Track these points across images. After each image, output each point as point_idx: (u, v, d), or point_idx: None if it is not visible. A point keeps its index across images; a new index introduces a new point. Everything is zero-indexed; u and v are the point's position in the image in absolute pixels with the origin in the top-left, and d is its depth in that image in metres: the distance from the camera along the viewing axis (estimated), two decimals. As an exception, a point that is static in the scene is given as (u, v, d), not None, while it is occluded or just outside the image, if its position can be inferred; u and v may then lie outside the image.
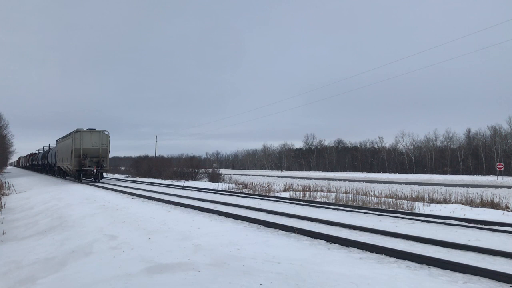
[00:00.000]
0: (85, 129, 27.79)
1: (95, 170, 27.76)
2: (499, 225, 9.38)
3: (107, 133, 28.68)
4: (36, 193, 21.06)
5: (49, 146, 46.90)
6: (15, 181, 32.53)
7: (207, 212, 11.84)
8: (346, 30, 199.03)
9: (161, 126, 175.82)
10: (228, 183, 30.43)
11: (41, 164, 50.21)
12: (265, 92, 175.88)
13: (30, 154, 70.53)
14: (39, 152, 56.39)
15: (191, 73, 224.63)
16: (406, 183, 35.21)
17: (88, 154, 27.23)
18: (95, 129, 28.15)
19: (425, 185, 30.03)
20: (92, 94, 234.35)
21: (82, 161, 27.02)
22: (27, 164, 72.89)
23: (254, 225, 9.32)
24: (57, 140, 37.01)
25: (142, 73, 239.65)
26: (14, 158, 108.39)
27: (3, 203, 15.94)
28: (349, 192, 18.59)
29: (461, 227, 9.17)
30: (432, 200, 15.93)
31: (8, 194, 21.82)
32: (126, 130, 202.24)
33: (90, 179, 30.06)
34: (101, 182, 28.34)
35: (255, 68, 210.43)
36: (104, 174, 34.44)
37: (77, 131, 27.40)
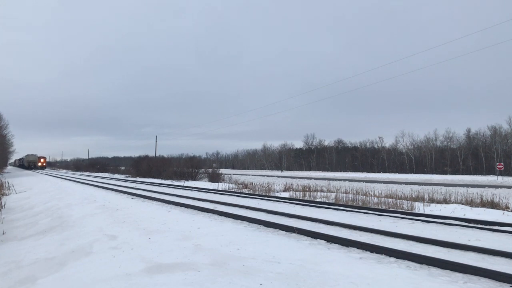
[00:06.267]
0: (30, 153, 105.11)
1: (33, 166, 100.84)
2: (499, 225, 9.38)
3: (37, 154, 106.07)
4: (36, 193, 21.06)
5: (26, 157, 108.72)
6: (15, 180, 32.55)
7: (207, 212, 11.84)
8: (346, 30, 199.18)
9: (163, 126, 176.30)
10: (228, 183, 30.42)
11: (23, 164, 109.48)
12: (265, 92, 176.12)
13: (19, 159, 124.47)
14: (22, 158, 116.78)
15: (192, 73, 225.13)
16: (406, 183, 35.19)
17: (31, 161, 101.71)
18: (33, 154, 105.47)
19: (425, 185, 30.02)
20: (94, 94, 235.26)
21: (29, 163, 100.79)
22: (18, 164, 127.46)
23: (254, 225, 9.32)
24: (25, 155, 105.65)
25: (144, 73, 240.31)
26: (14, 158, 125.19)
27: (3, 203, 15.93)
28: (349, 192, 18.59)
29: (461, 227, 9.17)
30: (432, 200, 15.92)
31: (8, 194, 21.82)
32: (128, 130, 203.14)
33: (34, 170, 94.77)
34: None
35: (255, 68, 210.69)
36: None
37: (27, 154, 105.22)
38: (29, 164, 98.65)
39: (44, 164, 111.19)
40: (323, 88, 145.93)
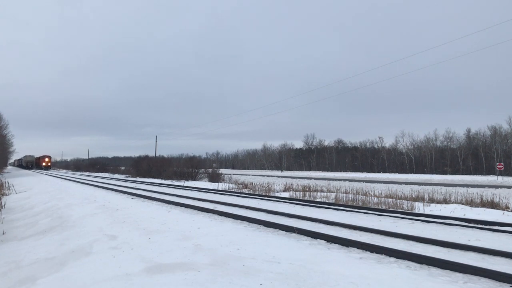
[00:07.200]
0: (28, 155, 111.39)
1: (30, 166, 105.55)
2: (499, 225, 9.38)
3: (33, 155, 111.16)
4: (36, 193, 21.06)
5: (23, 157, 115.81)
6: (15, 180, 32.55)
7: (207, 212, 11.84)
8: (346, 31, 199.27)
9: (163, 126, 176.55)
10: (228, 183, 30.41)
11: (21, 164, 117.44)
12: (265, 92, 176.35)
13: (19, 159, 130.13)
14: (21, 159, 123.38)
15: (192, 73, 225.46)
16: (406, 183, 35.19)
17: (29, 161, 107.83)
18: (31, 155, 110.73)
19: (425, 185, 30.02)
20: (94, 94, 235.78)
21: (28, 163, 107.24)
22: (18, 164, 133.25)
23: (254, 225, 9.31)
24: (23, 156, 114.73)
25: (144, 74, 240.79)
26: (14, 158, 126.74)
27: (3, 203, 15.93)
28: (349, 192, 18.58)
29: (461, 227, 9.17)
30: (432, 200, 15.92)
31: (8, 194, 21.81)
32: (128, 130, 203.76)
33: (31, 169, 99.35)
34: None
35: (255, 68, 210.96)
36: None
37: (26, 155, 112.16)
38: (27, 164, 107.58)
39: (49, 164, 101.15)
40: (323, 88, 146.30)
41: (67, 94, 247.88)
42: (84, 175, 57.30)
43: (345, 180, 42.30)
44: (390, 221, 10.22)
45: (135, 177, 44.63)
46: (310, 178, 44.28)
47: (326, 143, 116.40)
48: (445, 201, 15.75)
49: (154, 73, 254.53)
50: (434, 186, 27.34)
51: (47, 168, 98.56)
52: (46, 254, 6.97)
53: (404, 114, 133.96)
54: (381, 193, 18.19)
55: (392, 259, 5.91)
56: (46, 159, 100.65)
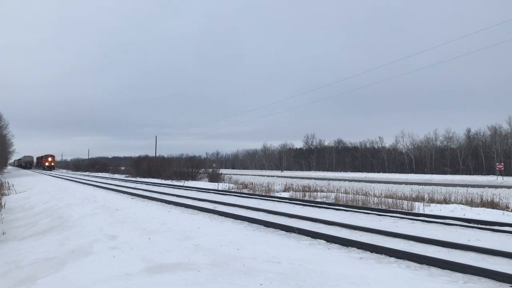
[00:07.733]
0: (27, 155, 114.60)
1: (29, 166, 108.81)
2: (499, 225, 9.38)
3: (33, 156, 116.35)
4: (36, 193, 21.06)
5: (23, 157, 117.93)
6: (15, 180, 32.56)
7: (207, 212, 11.84)
8: (347, 31, 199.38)
9: (163, 126, 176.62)
10: (228, 183, 30.41)
11: (21, 164, 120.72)
12: (266, 92, 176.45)
13: (18, 159, 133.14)
14: (20, 159, 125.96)
15: (192, 73, 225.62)
16: (406, 183, 35.19)
17: (27, 162, 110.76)
18: (30, 155, 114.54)
19: (425, 185, 30.01)
20: (94, 94, 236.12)
21: (27, 163, 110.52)
22: (17, 164, 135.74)
23: (254, 225, 9.31)
24: (23, 156, 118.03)
25: (145, 74, 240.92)
26: (14, 159, 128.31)
27: (3, 203, 15.93)
28: (349, 192, 18.58)
29: (461, 227, 9.17)
30: (432, 200, 15.92)
31: (8, 194, 21.81)
32: (128, 130, 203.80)
33: (30, 169, 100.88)
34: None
35: (256, 68, 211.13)
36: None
37: (25, 156, 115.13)
38: (26, 164, 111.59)
39: (52, 164, 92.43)
40: (323, 88, 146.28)
41: (67, 94, 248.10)
42: (84, 175, 57.29)
43: (345, 180, 42.30)
44: (390, 221, 10.22)
45: (135, 177, 44.62)
46: (310, 178, 44.28)
47: (326, 143, 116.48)
48: (445, 201, 15.75)
49: (154, 73, 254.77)
50: (434, 186, 27.34)
51: (50, 168, 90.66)
52: (46, 254, 6.97)
53: (404, 114, 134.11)
54: (381, 193, 18.19)
55: (392, 259, 5.91)
56: (49, 159, 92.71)
